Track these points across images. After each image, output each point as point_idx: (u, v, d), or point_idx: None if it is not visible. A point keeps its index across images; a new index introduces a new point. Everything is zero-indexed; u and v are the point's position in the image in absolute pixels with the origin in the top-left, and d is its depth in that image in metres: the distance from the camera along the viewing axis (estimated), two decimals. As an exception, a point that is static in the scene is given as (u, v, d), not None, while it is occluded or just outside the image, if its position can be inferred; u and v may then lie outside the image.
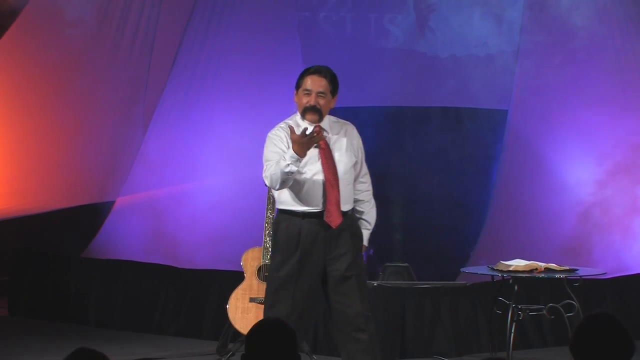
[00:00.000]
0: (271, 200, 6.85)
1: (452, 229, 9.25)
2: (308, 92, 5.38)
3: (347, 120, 5.63)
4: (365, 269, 5.49)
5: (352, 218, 5.43)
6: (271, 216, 6.85)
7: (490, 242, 8.94)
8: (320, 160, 5.34)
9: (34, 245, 9.19)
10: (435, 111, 9.41)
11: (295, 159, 5.15)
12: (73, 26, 9.41)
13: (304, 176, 5.31)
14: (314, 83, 5.39)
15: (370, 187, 5.59)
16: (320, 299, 5.44)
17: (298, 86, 5.44)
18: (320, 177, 5.32)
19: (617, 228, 8.72)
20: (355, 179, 5.50)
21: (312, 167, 5.32)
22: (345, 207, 5.37)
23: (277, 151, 5.30)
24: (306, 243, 5.30)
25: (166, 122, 9.61)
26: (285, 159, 5.16)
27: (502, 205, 9.17)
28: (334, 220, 5.30)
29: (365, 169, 5.57)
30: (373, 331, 5.38)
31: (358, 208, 5.52)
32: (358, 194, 5.51)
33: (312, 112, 5.37)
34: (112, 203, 9.58)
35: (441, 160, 9.26)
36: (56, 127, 9.41)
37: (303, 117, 5.40)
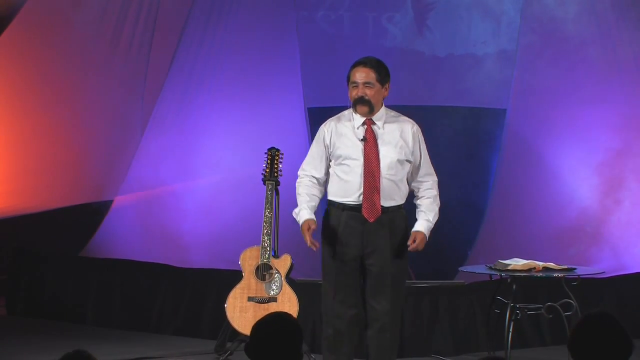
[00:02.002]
0: (269, 200, 6.85)
1: (450, 228, 9.24)
2: (355, 85, 5.42)
3: (409, 118, 5.64)
4: (404, 269, 5.46)
5: (396, 215, 5.39)
6: (269, 215, 6.85)
7: (489, 241, 8.95)
8: (363, 153, 5.33)
9: (32, 244, 9.19)
10: (434, 110, 9.40)
11: (297, 219, 5.43)
12: (71, 25, 9.40)
13: (346, 168, 5.34)
14: (359, 75, 5.42)
15: (433, 187, 5.54)
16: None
17: (347, 81, 5.49)
18: (361, 170, 5.33)
19: (616, 227, 8.72)
20: (413, 178, 5.48)
21: (355, 160, 5.34)
22: (387, 202, 5.34)
23: (316, 152, 5.47)
24: (344, 235, 5.33)
25: (164, 121, 9.60)
26: (297, 211, 5.44)
27: (500, 204, 9.17)
28: (371, 214, 5.30)
29: (427, 170, 5.55)
30: (396, 335, 5.43)
31: (417, 202, 5.50)
32: (417, 192, 5.51)
33: (361, 104, 5.40)
34: (110, 202, 9.58)
35: (439, 159, 9.24)
36: (54, 126, 9.41)
37: (354, 110, 5.42)
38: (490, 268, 6.69)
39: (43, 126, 9.38)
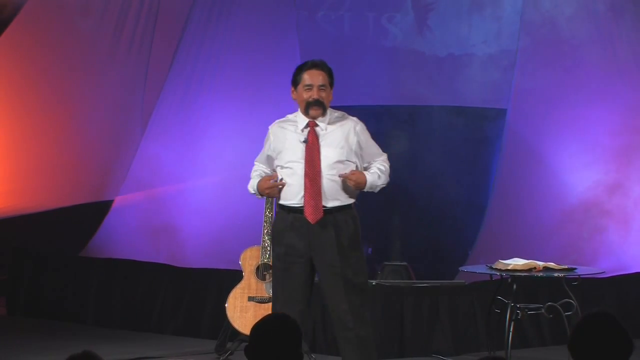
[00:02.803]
0: (269, 200, 6.85)
1: (450, 228, 9.25)
2: (309, 87, 5.39)
3: (352, 117, 5.61)
4: (359, 265, 5.38)
5: (341, 215, 5.34)
6: (270, 215, 6.86)
7: (489, 241, 8.94)
8: (304, 155, 5.33)
9: (32, 244, 9.19)
10: (434, 110, 9.41)
11: (255, 192, 5.49)
12: (72, 26, 9.40)
13: (289, 171, 5.34)
14: (313, 77, 5.40)
15: (384, 161, 5.49)
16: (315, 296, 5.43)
17: (296, 83, 5.44)
18: (302, 172, 5.32)
19: (616, 227, 8.72)
20: (366, 169, 5.46)
21: (297, 163, 5.34)
22: (331, 203, 5.32)
23: (263, 152, 5.55)
24: (291, 237, 5.31)
25: (165, 121, 9.61)
26: (252, 184, 5.50)
27: (500, 204, 9.17)
28: (312, 215, 5.27)
29: (375, 153, 5.49)
30: (363, 331, 5.31)
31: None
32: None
33: (317, 106, 5.38)
34: (110, 202, 9.58)
35: (439, 159, 9.26)
36: (54, 126, 9.41)
37: (306, 112, 5.40)
38: (491, 268, 6.69)
39: (43, 126, 9.38)
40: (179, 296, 8.14)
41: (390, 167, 5.53)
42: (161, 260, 8.62)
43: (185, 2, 9.69)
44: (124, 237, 9.29)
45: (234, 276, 7.10)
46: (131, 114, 9.68)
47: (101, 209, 9.53)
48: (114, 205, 9.54)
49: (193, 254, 9.03)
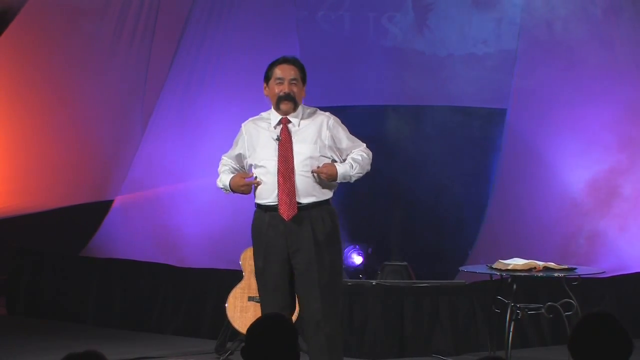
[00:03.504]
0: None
1: (450, 228, 9.25)
2: (280, 81, 5.37)
3: (345, 118, 5.60)
4: (335, 264, 5.33)
5: (317, 211, 5.30)
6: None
7: (489, 241, 8.94)
8: (277, 152, 5.31)
9: (32, 243, 9.19)
10: (434, 110, 9.40)
11: (226, 188, 5.46)
12: (72, 26, 9.40)
13: (263, 170, 5.32)
14: (284, 71, 5.39)
15: (363, 150, 5.41)
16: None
17: (267, 78, 5.43)
18: (275, 169, 5.29)
19: (616, 227, 8.72)
20: (344, 157, 5.41)
21: (270, 160, 5.32)
22: (306, 199, 5.29)
23: (234, 149, 5.52)
24: (269, 236, 5.30)
25: (165, 121, 9.61)
26: (222, 179, 5.46)
27: (500, 204, 9.17)
28: (286, 212, 5.25)
29: (354, 144, 5.42)
30: (333, 330, 5.27)
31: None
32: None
33: (287, 100, 5.36)
34: (111, 202, 9.58)
35: (439, 158, 9.26)
36: (55, 125, 9.41)
37: (277, 107, 5.38)
38: (491, 268, 6.69)
39: (43, 126, 9.38)
40: (179, 296, 8.14)
41: (372, 155, 5.45)
42: (161, 260, 8.62)
43: (185, 2, 9.69)
44: (124, 237, 9.29)
45: (234, 276, 7.10)
46: (131, 113, 9.68)
47: (101, 209, 9.53)
48: (114, 205, 9.54)
49: (193, 254, 9.03)
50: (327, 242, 5.31)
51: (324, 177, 5.29)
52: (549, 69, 9.12)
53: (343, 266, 5.45)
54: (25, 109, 9.35)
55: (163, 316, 8.19)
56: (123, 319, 8.34)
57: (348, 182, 5.46)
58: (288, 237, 5.27)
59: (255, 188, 5.37)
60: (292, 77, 5.37)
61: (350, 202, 8.52)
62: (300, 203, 5.27)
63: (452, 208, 9.24)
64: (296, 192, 5.27)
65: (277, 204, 5.28)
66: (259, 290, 5.39)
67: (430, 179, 9.18)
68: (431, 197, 9.19)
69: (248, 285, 6.90)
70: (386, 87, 9.45)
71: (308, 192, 5.30)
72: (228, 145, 9.58)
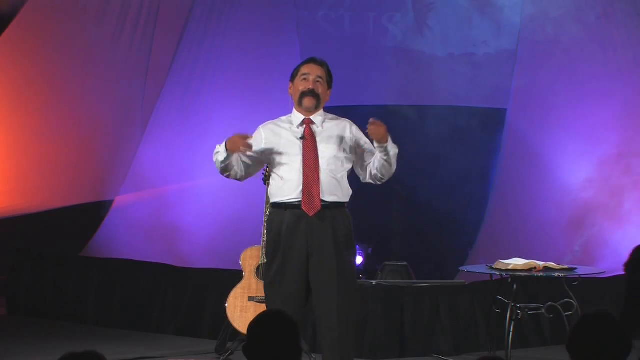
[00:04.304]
0: (269, 200, 6.84)
1: (450, 228, 9.25)
2: (305, 77, 5.33)
3: (345, 118, 5.59)
4: (351, 265, 5.31)
5: (338, 212, 5.27)
6: (270, 215, 6.85)
7: (489, 241, 8.95)
8: (302, 151, 5.31)
9: (32, 244, 9.19)
10: (434, 110, 9.41)
11: (221, 152, 5.23)
12: (72, 26, 9.41)
13: (286, 167, 5.29)
14: (311, 69, 5.35)
15: None
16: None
17: (293, 76, 5.39)
18: (300, 166, 5.25)
19: (616, 227, 8.72)
20: (362, 167, 5.40)
21: (294, 158, 5.29)
22: (329, 197, 5.25)
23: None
24: (288, 234, 5.25)
25: (165, 121, 9.61)
26: (217, 148, 5.25)
27: (500, 204, 9.18)
28: (311, 208, 5.20)
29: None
30: (347, 332, 5.24)
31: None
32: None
33: (311, 96, 5.30)
34: (111, 202, 9.58)
35: (439, 158, 9.27)
36: (55, 126, 9.41)
37: (300, 103, 5.33)
38: (491, 268, 6.69)
39: (43, 126, 9.38)
40: (179, 296, 8.14)
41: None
42: (161, 260, 8.62)
43: (185, 2, 9.69)
44: (124, 237, 9.29)
45: (234, 276, 7.10)
46: (131, 113, 9.69)
47: (101, 209, 9.53)
48: (114, 205, 9.55)
49: (193, 254, 9.04)
50: (346, 244, 5.29)
51: (379, 130, 5.19)
52: (549, 69, 9.13)
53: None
54: (25, 109, 9.36)
55: (163, 316, 8.19)
56: (123, 319, 8.34)
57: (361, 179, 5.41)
58: (309, 234, 5.23)
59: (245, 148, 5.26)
60: (317, 75, 5.34)
61: (350, 202, 8.52)
62: (323, 201, 5.25)
63: (452, 208, 9.24)
64: (320, 189, 5.26)
65: (299, 201, 5.23)
66: (274, 287, 5.31)
67: (430, 179, 9.18)
68: (431, 197, 9.20)
69: (248, 285, 6.90)
70: (386, 87, 9.45)
71: (331, 191, 5.28)
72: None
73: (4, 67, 9.30)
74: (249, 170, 5.40)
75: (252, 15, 9.63)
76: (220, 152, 5.27)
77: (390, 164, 5.33)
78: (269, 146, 5.33)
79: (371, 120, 5.20)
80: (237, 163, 5.32)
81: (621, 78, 8.93)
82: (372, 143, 5.31)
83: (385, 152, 5.28)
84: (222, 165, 5.31)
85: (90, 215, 9.47)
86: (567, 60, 9.07)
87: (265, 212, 6.88)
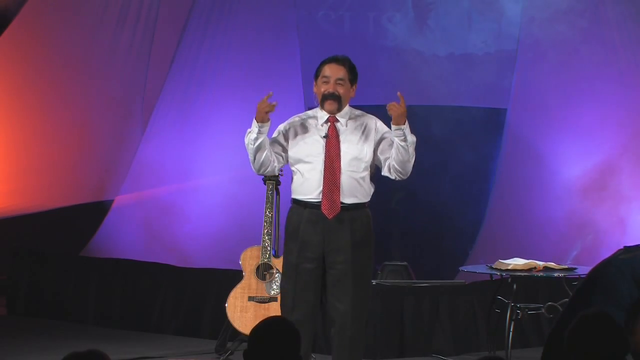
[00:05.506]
0: (270, 199, 6.85)
1: (450, 228, 9.25)
2: (326, 80, 5.34)
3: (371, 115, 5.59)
4: (367, 266, 5.33)
5: (357, 213, 5.28)
6: (270, 215, 6.85)
7: (489, 241, 8.95)
8: (324, 150, 5.30)
9: (32, 244, 9.19)
10: (434, 110, 9.40)
11: (255, 124, 5.28)
12: (72, 26, 9.41)
13: (308, 165, 5.29)
14: (332, 70, 5.35)
15: None
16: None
17: (316, 76, 5.40)
18: (322, 166, 5.26)
19: (616, 227, 8.73)
20: (383, 162, 5.35)
21: (317, 157, 5.29)
22: (348, 199, 5.26)
23: (272, 141, 5.37)
24: (305, 233, 5.26)
25: (165, 121, 9.61)
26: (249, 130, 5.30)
27: (500, 203, 9.17)
28: (330, 211, 5.22)
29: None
30: (357, 333, 5.26)
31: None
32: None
33: (332, 99, 5.32)
34: (110, 202, 9.58)
35: (440, 158, 9.27)
36: (55, 125, 9.41)
37: (322, 106, 5.36)
38: (491, 268, 6.69)
39: (43, 126, 9.39)
40: (179, 296, 8.14)
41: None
42: (161, 260, 8.61)
43: (185, 2, 9.69)
44: (124, 237, 9.29)
45: (234, 276, 7.10)
46: (131, 114, 9.69)
47: (101, 209, 9.53)
48: (114, 205, 9.55)
49: (193, 254, 9.04)
50: (363, 245, 5.29)
51: (398, 108, 5.18)
52: (548, 69, 9.13)
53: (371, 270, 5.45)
54: (25, 109, 9.36)
55: (163, 316, 8.19)
56: (123, 319, 8.34)
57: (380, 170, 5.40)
58: (326, 235, 5.24)
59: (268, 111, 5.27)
60: (339, 77, 5.34)
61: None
62: (343, 203, 5.25)
63: (452, 208, 9.24)
64: (340, 192, 5.25)
65: (319, 201, 5.24)
66: (288, 284, 5.30)
67: (430, 179, 9.18)
68: (431, 197, 9.19)
69: (248, 285, 6.90)
70: (386, 87, 9.44)
71: (351, 193, 5.28)
72: (229, 144, 9.63)
73: (4, 67, 9.30)
74: (279, 159, 5.39)
75: (252, 15, 9.63)
76: (251, 131, 5.32)
77: (406, 150, 5.25)
78: (292, 137, 5.36)
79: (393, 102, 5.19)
80: (270, 151, 5.34)
81: (621, 78, 8.93)
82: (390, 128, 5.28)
83: (403, 136, 5.24)
84: (253, 146, 5.33)
85: (90, 215, 9.46)
86: (567, 60, 9.07)
87: (265, 212, 6.88)
